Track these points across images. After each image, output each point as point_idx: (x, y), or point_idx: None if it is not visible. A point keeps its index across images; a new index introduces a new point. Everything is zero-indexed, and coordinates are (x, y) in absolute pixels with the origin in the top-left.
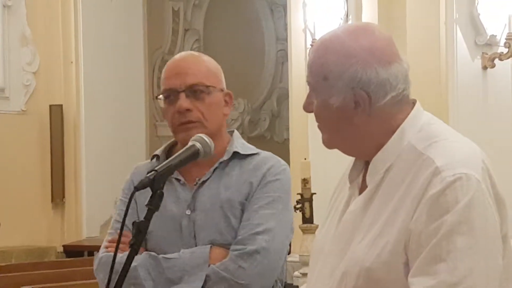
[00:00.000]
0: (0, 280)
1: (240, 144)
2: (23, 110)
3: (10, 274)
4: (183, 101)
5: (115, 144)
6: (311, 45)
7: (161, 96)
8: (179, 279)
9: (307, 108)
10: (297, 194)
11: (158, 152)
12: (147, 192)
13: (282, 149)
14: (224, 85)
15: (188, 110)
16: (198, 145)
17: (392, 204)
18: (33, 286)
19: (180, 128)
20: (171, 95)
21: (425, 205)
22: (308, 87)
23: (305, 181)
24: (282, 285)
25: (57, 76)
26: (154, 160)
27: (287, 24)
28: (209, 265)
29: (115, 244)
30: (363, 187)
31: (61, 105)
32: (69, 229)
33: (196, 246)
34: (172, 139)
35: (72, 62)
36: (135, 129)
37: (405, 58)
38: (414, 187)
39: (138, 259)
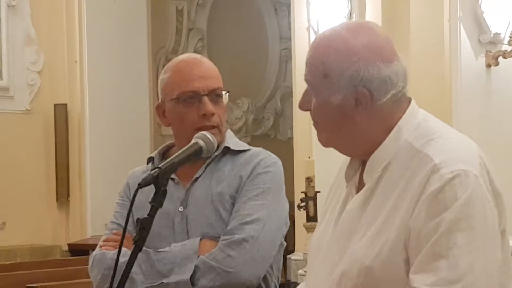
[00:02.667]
0: (5, 279)
1: (233, 142)
2: (27, 109)
3: (15, 273)
4: (210, 106)
5: (119, 142)
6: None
7: (173, 96)
8: (169, 272)
9: (303, 106)
10: (301, 192)
11: (153, 154)
12: (144, 191)
13: (286, 148)
14: None
15: (213, 114)
16: (201, 142)
17: (391, 202)
18: (38, 284)
19: (200, 131)
20: (193, 97)
21: (424, 202)
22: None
23: (309, 180)
24: (277, 282)
25: (61, 75)
26: (150, 164)
27: (291, 23)
28: (198, 256)
29: (108, 243)
30: (360, 186)
31: (66, 104)
32: (74, 228)
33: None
34: (168, 142)
35: (76, 61)
36: (140, 128)
37: (402, 57)
38: (412, 184)
39: (128, 254)
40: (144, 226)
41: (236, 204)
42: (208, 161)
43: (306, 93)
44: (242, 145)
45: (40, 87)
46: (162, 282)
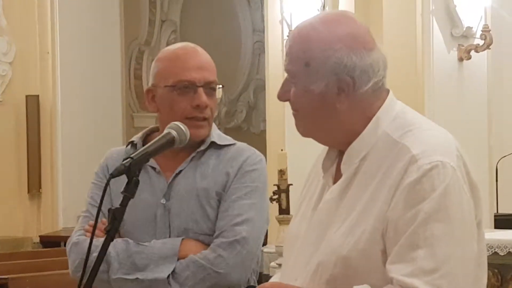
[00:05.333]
0: None
1: (217, 135)
2: None
3: None
4: (205, 97)
5: (91, 134)
6: (288, 36)
7: (168, 83)
8: (145, 267)
9: (282, 96)
10: (274, 185)
11: (134, 138)
12: (121, 178)
13: (259, 141)
14: None
15: (206, 106)
16: (173, 132)
17: (368, 192)
18: (9, 276)
19: (190, 122)
20: (188, 87)
21: (402, 193)
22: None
23: (282, 172)
24: (256, 276)
25: (33, 66)
26: (129, 147)
27: (264, 16)
28: (178, 259)
29: (90, 229)
30: (337, 176)
31: (38, 96)
32: (45, 220)
33: (170, 234)
34: (151, 126)
35: (48, 53)
36: (112, 120)
37: (381, 46)
38: (390, 175)
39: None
40: (116, 216)
41: (224, 203)
42: (192, 154)
43: (285, 83)
44: (226, 139)
45: (11, 78)
46: (138, 278)
